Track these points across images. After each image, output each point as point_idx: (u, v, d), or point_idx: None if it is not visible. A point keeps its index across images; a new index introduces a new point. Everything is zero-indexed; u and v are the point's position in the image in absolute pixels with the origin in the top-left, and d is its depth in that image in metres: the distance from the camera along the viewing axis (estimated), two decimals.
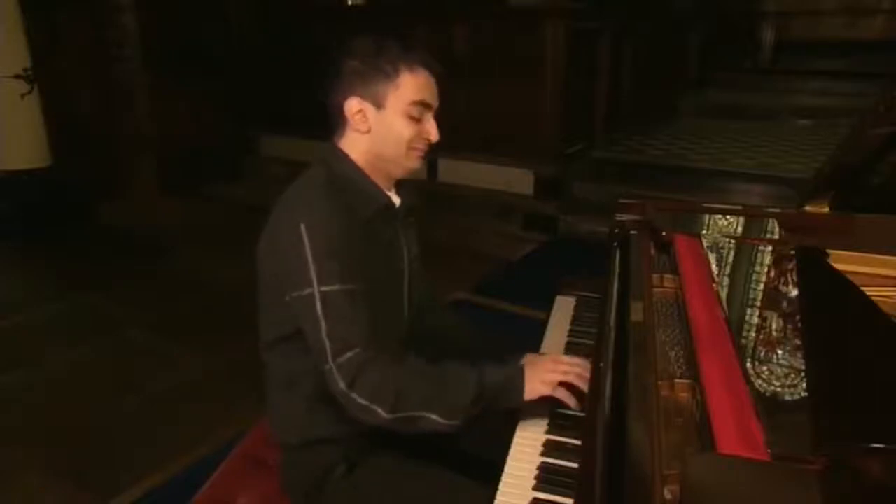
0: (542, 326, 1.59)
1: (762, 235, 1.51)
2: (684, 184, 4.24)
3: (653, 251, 1.41)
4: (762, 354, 1.01)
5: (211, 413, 2.44)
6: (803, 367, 0.94)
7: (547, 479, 1.06)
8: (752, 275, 1.33)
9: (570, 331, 1.54)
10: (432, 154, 1.31)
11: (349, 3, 5.53)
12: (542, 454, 1.12)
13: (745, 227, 1.53)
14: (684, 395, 0.94)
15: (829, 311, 1.10)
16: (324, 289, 1.12)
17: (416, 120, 1.23)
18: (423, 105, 1.23)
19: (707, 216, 1.57)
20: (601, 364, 1.08)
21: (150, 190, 5.13)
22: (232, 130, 5.61)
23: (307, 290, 1.13)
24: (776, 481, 0.73)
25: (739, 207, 1.61)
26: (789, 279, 1.23)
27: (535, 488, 1.05)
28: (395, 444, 1.20)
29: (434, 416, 1.11)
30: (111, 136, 5.02)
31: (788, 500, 0.71)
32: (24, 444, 2.31)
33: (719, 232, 1.49)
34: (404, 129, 1.23)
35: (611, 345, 1.11)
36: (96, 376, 2.75)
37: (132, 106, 5.05)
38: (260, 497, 1.34)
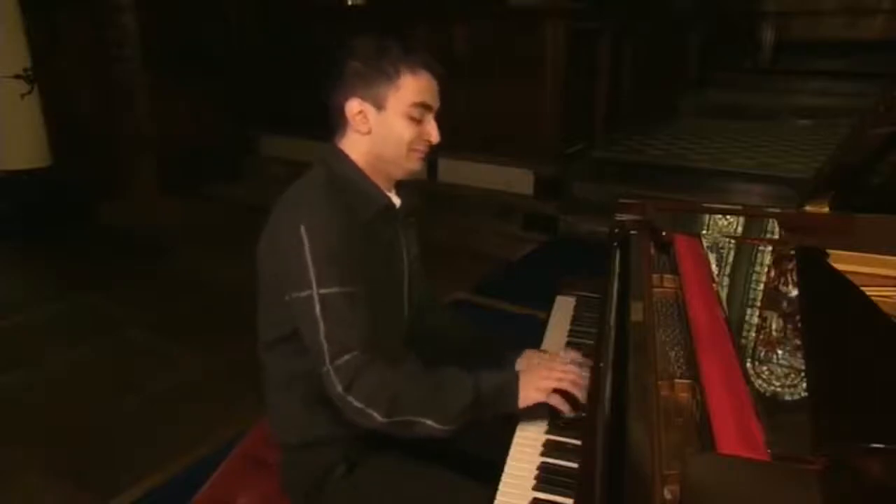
0: (542, 326, 1.59)
1: (762, 235, 1.51)
2: (684, 184, 4.24)
3: (653, 251, 1.41)
4: (762, 354, 1.01)
5: (211, 413, 2.44)
6: (803, 367, 0.94)
7: (547, 479, 1.06)
8: (752, 275, 1.33)
9: (570, 331, 1.54)
10: (432, 154, 1.30)
11: (349, 3, 5.53)
12: (542, 454, 1.12)
13: (745, 227, 1.53)
14: (684, 395, 0.94)
15: (829, 311, 1.10)
16: (323, 291, 1.12)
17: (417, 121, 1.23)
18: (424, 107, 1.23)
19: (707, 216, 1.57)
20: (601, 364, 1.08)
21: (150, 190, 5.13)
22: (232, 130, 5.61)
23: (306, 292, 1.13)
24: (776, 481, 0.73)
25: (739, 207, 1.61)
26: (789, 279, 1.23)
27: (535, 488, 1.05)
28: (395, 444, 1.20)
29: (429, 422, 1.12)
30: (111, 136, 5.02)
31: (788, 500, 0.71)
32: (24, 444, 2.31)
33: (719, 232, 1.49)
34: (405, 131, 1.22)
35: (611, 345, 1.11)
36: (96, 376, 2.75)
37: (132, 106, 5.05)
38: (260, 497, 1.34)
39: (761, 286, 1.27)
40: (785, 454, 0.76)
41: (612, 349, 1.10)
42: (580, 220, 4.19)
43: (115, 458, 2.23)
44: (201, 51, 5.23)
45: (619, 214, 1.57)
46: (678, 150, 5.04)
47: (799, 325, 1.06)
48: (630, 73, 5.22)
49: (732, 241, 1.45)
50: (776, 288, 1.25)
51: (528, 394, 1.16)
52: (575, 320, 1.58)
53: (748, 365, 0.96)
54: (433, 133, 1.26)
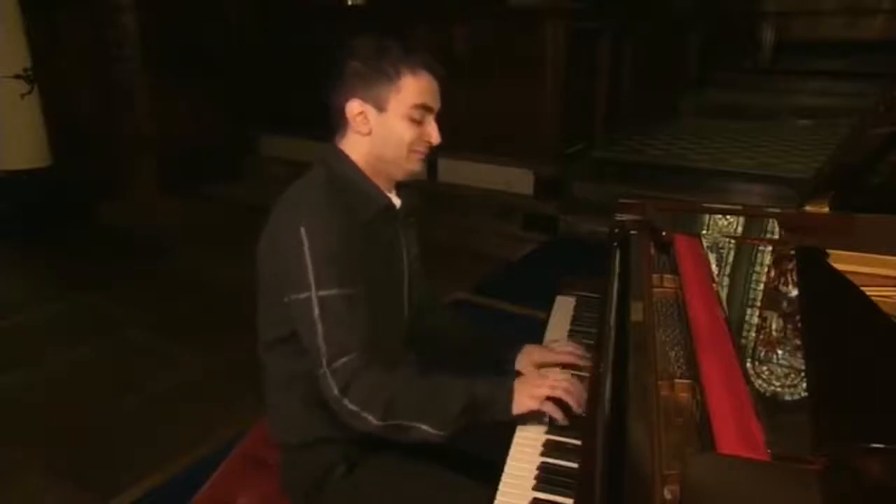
0: (542, 326, 1.59)
1: (762, 235, 1.51)
2: (684, 184, 4.24)
3: (653, 251, 1.41)
4: (762, 354, 1.01)
5: (211, 413, 2.44)
6: (803, 367, 0.94)
7: (547, 479, 1.06)
8: (752, 275, 1.33)
9: (570, 331, 1.54)
10: (432, 154, 1.30)
11: (349, 3, 5.53)
12: (542, 454, 1.12)
13: (745, 227, 1.53)
14: (684, 395, 0.94)
15: (829, 311, 1.10)
16: (322, 293, 1.12)
17: (418, 122, 1.23)
18: (425, 108, 1.23)
19: (707, 216, 1.57)
20: (601, 364, 1.08)
21: (150, 190, 5.13)
22: (232, 130, 5.61)
23: (305, 294, 1.13)
24: (776, 481, 0.73)
25: (739, 207, 1.61)
26: (789, 279, 1.23)
27: (535, 488, 1.05)
28: (396, 445, 1.20)
29: (424, 427, 1.12)
30: (111, 136, 5.02)
31: (788, 500, 0.71)
32: (24, 444, 2.31)
33: (719, 232, 1.49)
34: (405, 132, 1.22)
35: (611, 345, 1.11)
36: (96, 376, 2.75)
37: (132, 106, 5.05)
38: (260, 497, 1.34)
39: (761, 286, 1.27)
40: (785, 454, 0.76)
41: (612, 349, 1.10)
42: (580, 220, 4.19)
43: (115, 458, 2.23)
44: (201, 51, 5.23)
45: (619, 214, 1.57)
46: (678, 150, 5.04)
47: (799, 325, 1.06)
48: (630, 73, 5.22)
49: (732, 241, 1.45)
50: (776, 288, 1.25)
51: (522, 401, 1.16)
52: (575, 320, 1.58)
53: (748, 365, 0.96)
54: (434, 134, 1.25)
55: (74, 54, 4.81)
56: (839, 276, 1.20)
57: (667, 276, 1.29)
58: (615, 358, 1.07)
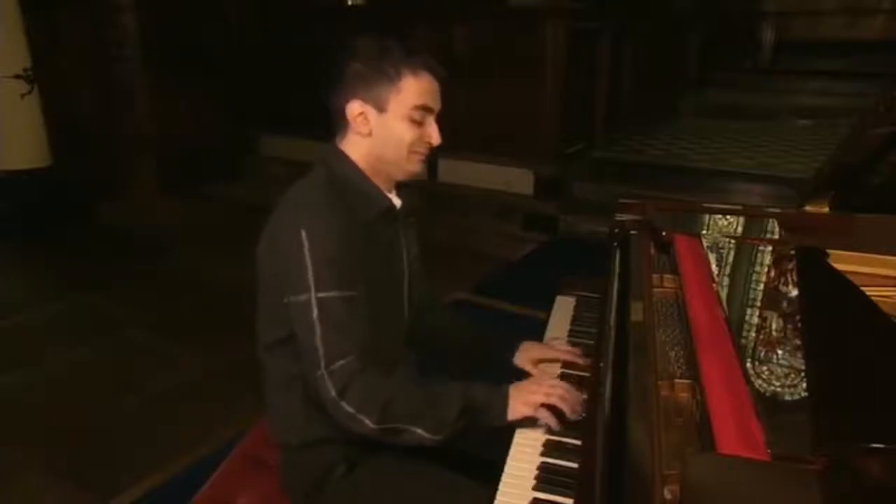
0: (542, 326, 1.59)
1: (762, 235, 1.51)
2: (684, 184, 4.24)
3: (653, 251, 1.41)
4: (762, 354, 1.01)
5: (211, 413, 2.44)
6: (803, 367, 0.94)
7: (547, 479, 1.06)
8: (752, 275, 1.33)
9: (570, 331, 1.54)
10: (433, 155, 1.30)
11: (349, 3, 5.53)
12: (542, 454, 1.12)
13: (745, 227, 1.53)
14: (684, 395, 0.94)
15: (829, 311, 1.10)
16: (321, 295, 1.12)
17: (418, 124, 1.23)
18: (425, 109, 1.23)
19: (707, 216, 1.57)
20: (601, 364, 1.08)
21: (150, 190, 5.13)
22: (232, 130, 5.61)
23: (304, 296, 1.13)
24: (776, 481, 0.73)
25: (739, 207, 1.61)
26: (789, 279, 1.23)
27: (535, 488, 1.05)
28: (395, 445, 1.20)
29: (419, 430, 1.13)
30: (111, 136, 5.02)
31: (788, 500, 0.71)
32: (24, 444, 2.31)
33: (719, 232, 1.49)
34: (406, 133, 1.22)
35: (611, 345, 1.11)
36: (96, 376, 2.75)
37: (132, 106, 5.05)
38: (260, 497, 1.34)
39: (761, 286, 1.27)
40: (785, 454, 0.76)
41: (612, 349, 1.10)
42: (580, 220, 4.19)
43: (115, 458, 2.23)
44: (201, 51, 5.23)
45: (619, 214, 1.57)
46: (678, 150, 5.04)
47: (799, 325, 1.06)
48: (630, 73, 5.22)
49: (732, 241, 1.45)
50: (776, 288, 1.25)
51: (517, 407, 1.17)
52: (575, 320, 1.58)
53: (748, 365, 0.96)
54: (434, 135, 1.25)
55: (74, 54, 4.81)
56: (839, 276, 1.20)
57: (667, 276, 1.29)
58: (615, 358, 1.07)
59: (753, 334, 1.09)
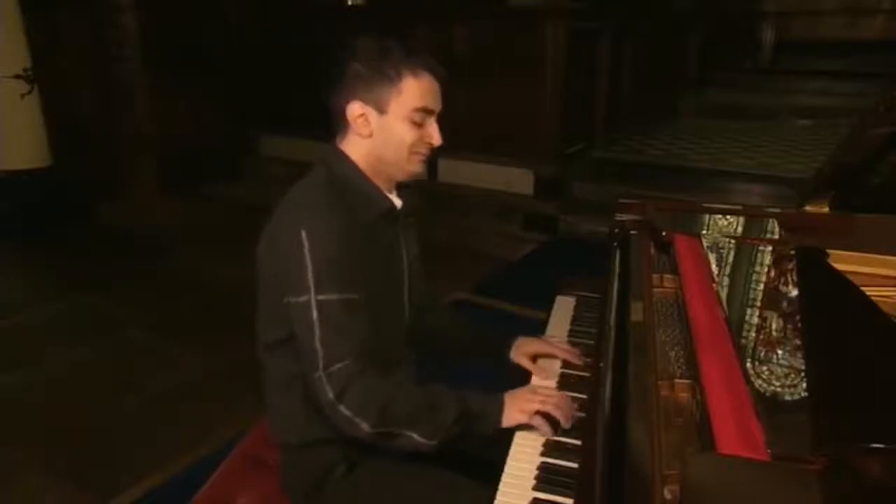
0: (542, 326, 1.59)
1: (762, 235, 1.51)
2: (684, 184, 4.24)
3: (653, 251, 1.41)
4: (762, 354, 1.01)
5: (211, 413, 2.44)
6: (803, 367, 0.94)
7: (547, 479, 1.06)
8: (752, 275, 1.33)
9: (570, 331, 1.54)
10: (433, 155, 1.30)
11: (349, 3, 5.53)
12: (542, 454, 1.12)
13: (745, 227, 1.53)
14: (684, 395, 0.94)
15: (829, 311, 1.10)
16: (321, 297, 1.12)
17: (419, 125, 1.22)
18: (426, 111, 1.22)
19: (707, 216, 1.57)
20: (601, 364, 1.08)
21: (150, 190, 5.13)
22: (232, 130, 5.61)
23: (304, 297, 1.13)
24: (776, 481, 0.73)
25: (739, 207, 1.61)
26: (789, 279, 1.23)
27: (535, 488, 1.05)
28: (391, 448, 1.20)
29: (415, 435, 1.13)
30: (111, 136, 5.02)
31: (788, 500, 0.71)
32: (24, 444, 2.31)
33: (719, 232, 1.49)
34: (406, 134, 1.22)
35: (611, 345, 1.11)
36: (96, 376, 2.75)
37: (132, 106, 5.05)
38: (260, 497, 1.34)
39: (761, 286, 1.27)
40: (785, 454, 0.76)
41: (612, 349, 1.10)
42: (580, 220, 4.19)
43: (115, 458, 2.23)
44: (201, 51, 5.23)
45: (619, 214, 1.57)
46: (678, 150, 5.04)
47: (799, 325, 1.06)
48: (630, 73, 5.22)
49: (732, 241, 1.45)
50: (776, 288, 1.25)
51: (512, 414, 1.18)
52: (575, 320, 1.58)
53: (748, 365, 0.96)
54: (435, 136, 1.25)
55: (74, 54, 4.81)
56: (839, 276, 1.20)
57: (667, 276, 1.29)
58: (615, 358, 1.07)
59: (753, 334, 1.09)
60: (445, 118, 1.28)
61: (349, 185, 1.24)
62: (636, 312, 1.13)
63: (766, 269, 1.34)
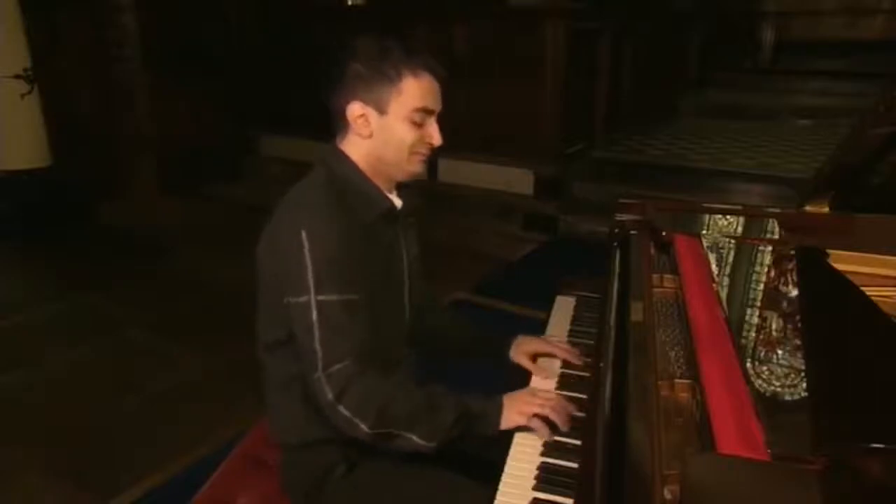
0: (542, 326, 1.59)
1: (762, 235, 1.51)
2: (684, 184, 4.24)
3: (653, 251, 1.41)
4: (762, 354, 1.01)
5: (211, 413, 2.44)
6: (803, 367, 0.94)
7: (547, 479, 1.06)
8: (752, 275, 1.33)
9: (570, 331, 1.54)
10: (433, 155, 1.30)
11: (349, 3, 5.53)
12: (542, 454, 1.12)
13: (745, 227, 1.53)
14: (684, 395, 0.94)
15: (829, 311, 1.10)
16: (321, 298, 1.12)
17: (419, 125, 1.22)
18: (426, 111, 1.22)
19: (707, 216, 1.57)
20: (601, 364, 1.08)
21: (150, 190, 5.13)
22: (232, 130, 5.61)
23: (304, 298, 1.13)
24: (776, 481, 0.73)
25: (739, 207, 1.61)
26: (789, 279, 1.23)
27: (535, 488, 1.05)
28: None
29: (414, 437, 1.13)
30: (111, 136, 5.02)
31: (788, 500, 0.71)
32: (24, 444, 2.31)
33: (719, 232, 1.49)
34: (406, 135, 1.22)
35: (611, 345, 1.11)
36: (96, 376, 2.75)
37: (132, 106, 5.05)
38: (260, 497, 1.34)
39: (761, 286, 1.27)
40: (785, 454, 0.76)
41: (612, 349, 1.10)
42: (580, 220, 4.19)
43: (115, 458, 2.23)
44: (201, 51, 5.23)
45: (619, 214, 1.57)
46: (678, 150, 5.04)
47: (799, 325, 1.06)
48: (630, 73, 5.22)
49: (732, 241, 1.45)
50: (776, 288, 1.25)
51: (511, 416, 1.18)
52: (575, 320, 1.58)
53: (748, 365, 0.96)
54: (435, 136, 1.25)
55: (74, 54, 4.81)
56: (839, 276, 1.20)
57: (667, 276, 1.29)
58: (615, 358, 1.07)
59: (753, 334, 1.09)
60: (445, 118, 1.28)
61: (349, 185, 1.24)
62: (636, 312, 1.13)
63: (766, 269, 1.34)
